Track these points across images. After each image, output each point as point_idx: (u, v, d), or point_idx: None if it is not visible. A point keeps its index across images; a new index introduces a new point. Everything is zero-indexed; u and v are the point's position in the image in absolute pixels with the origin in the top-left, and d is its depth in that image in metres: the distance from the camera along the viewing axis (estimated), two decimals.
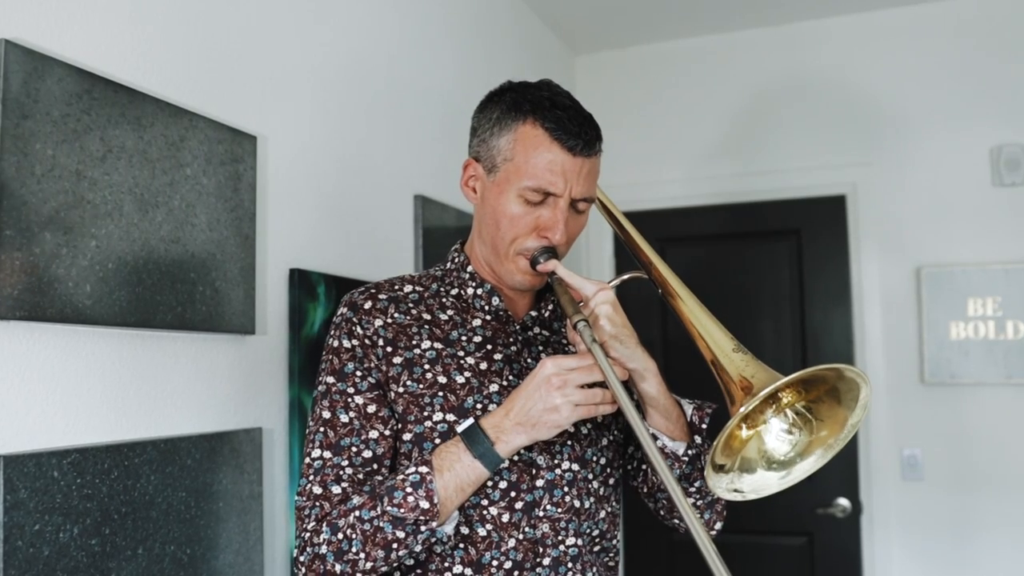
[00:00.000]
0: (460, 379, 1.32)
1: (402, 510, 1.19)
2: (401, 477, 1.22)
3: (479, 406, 1.30)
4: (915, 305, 3.29)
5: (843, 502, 3.32)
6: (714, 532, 1.42)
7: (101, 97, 1.43)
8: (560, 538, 1.31)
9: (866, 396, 1.21)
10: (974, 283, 3.20)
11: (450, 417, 1.29)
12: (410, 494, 1.19)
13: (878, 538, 3.27)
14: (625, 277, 1.45)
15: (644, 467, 1.44)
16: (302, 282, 1.92)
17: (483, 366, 1.34)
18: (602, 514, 1.38)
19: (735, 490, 1.25)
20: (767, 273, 3.55)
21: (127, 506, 1.44)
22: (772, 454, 1.27)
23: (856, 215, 3.40)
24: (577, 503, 1.33)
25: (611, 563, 1.41)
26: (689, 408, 1.36)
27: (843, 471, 3.33)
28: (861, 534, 3.31)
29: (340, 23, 2.17)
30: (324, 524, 1.23)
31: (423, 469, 1.21)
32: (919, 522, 3.24)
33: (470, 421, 1.24)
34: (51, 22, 1.39)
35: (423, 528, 1.20)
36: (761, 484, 1.26)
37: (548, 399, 1.19)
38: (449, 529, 1.24)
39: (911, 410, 3.27)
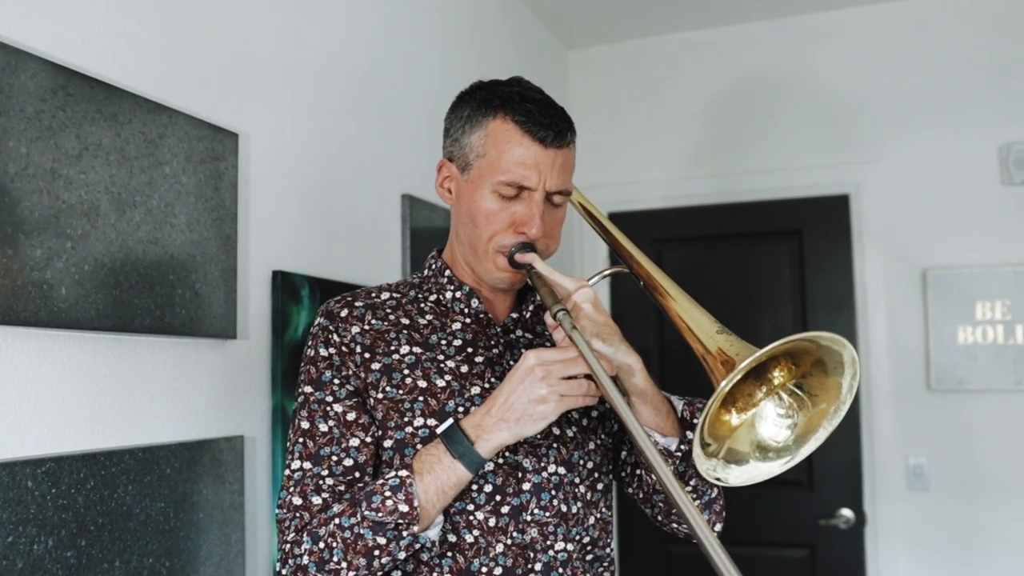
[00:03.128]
0: (440, 383, 1.35)
1: (380, 514, 1.21)
2: (381, 482, 1.24)
3: (460, 409, 1.33)
4: (921, 309, 3.31)
5: (846, 513, 3.34)
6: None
7: (77, 93, 1.44)
8: (549, 543, 1.33)
9: (851, 355, 1.22)
10: (982, 286, 3.22)
11: (431, 422, 1.32)
12: (389, 498, 1.22)
13: (883, 550, 3.30)
14: (607, 272, 1.49)
15: (638, 472, 1.46)
16: (285, 284, 1.93)
17: (464, 369, 1.37)
18: (591, 520, 1.40)
19: (717, 479, 1.26)
20: (767, 275, 3.57)
21: (104, 517, 1.45)
22: (769, 443, 1.28)
23: (860, 215, 3.42)
24: (564, 507, 1.35)
25: (605, 573, 1.43)
26: (679, 404, 1.39)
27: (847, 481, 3.35)
28: (865, 546, 3.33)
29: (325, 16, 2.19)
30: (304, 534, 1.26)
31: (403, 473, 1.23)
32: (925, 533, 3.26)
33: (449, 422, 1.26)
34: (25, 15, 1.40)
35: (404, 533, 1.22)
36: (755, 473, 1.28)
37: (533, 390, 1.21)
38: (433, 535, 1.26)
39: (917, 417, 3.29)
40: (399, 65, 2.52)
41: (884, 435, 3.32)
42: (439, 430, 1.26)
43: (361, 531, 1.22)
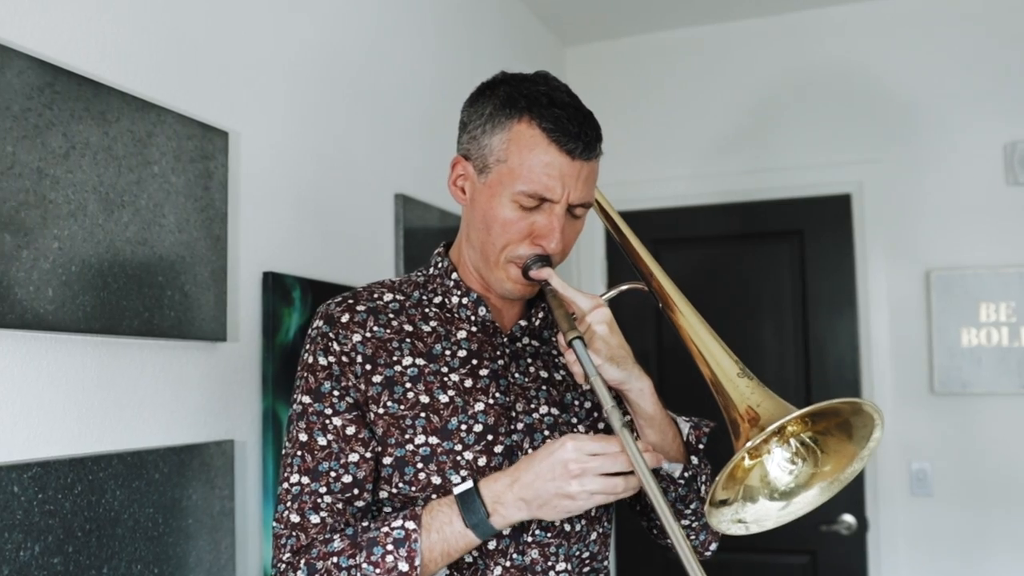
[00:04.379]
0: (444, 398, 1.31)
1: (378, 570, 1.19)
2: (385, 530, 1.22)
3: (463, 427, 1.30)
4: (924, 310, 3.32)
5: (848, 518, 3.35)
6: (709, 552, 1.44)
7: (64, 91, 1.44)
8: (550, 564, 1.32)
9: (877, 438, 1.21)
10: (987, 287, 3.23)
11: (432, 440, 1.29)
12: (390, 552, 1.20)
13: (885, 556, 3.31)
14: (623, 288, 1.45)
15: None
16: (276, 286, 1.93)
17: (468, 383, 1.33)
18: (593, 536, 1.39)
19: (739, 521, 1.25)
20: (768, 276, 3.58)
21: (91, 523, 1.45)
22: (774, 483, 1.28)
23: (862, 215, 3.43)
24: (567, 526, 1.34)
25: None
26: (686, 427, 1.38)
27: (849, 486, 3.33)
28: (867, 552, 3.34)
29: (317, 12, 2.19)
30: (302, 561, 1.24)
31: (410, 525, 1.21)
32: (928, 540, 3.27)
33: (468, 484, 1.23)
34: (11, 11, 1.40)
35: None
36: (763, 515, 1.27)
37: (563, 486, 1.18)
38: None
39: (920, 422, 3.30)
40: (393, 62, 2.52)
41: (886, 439, 3.31)
42: (456, 490, 1.23)
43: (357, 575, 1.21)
